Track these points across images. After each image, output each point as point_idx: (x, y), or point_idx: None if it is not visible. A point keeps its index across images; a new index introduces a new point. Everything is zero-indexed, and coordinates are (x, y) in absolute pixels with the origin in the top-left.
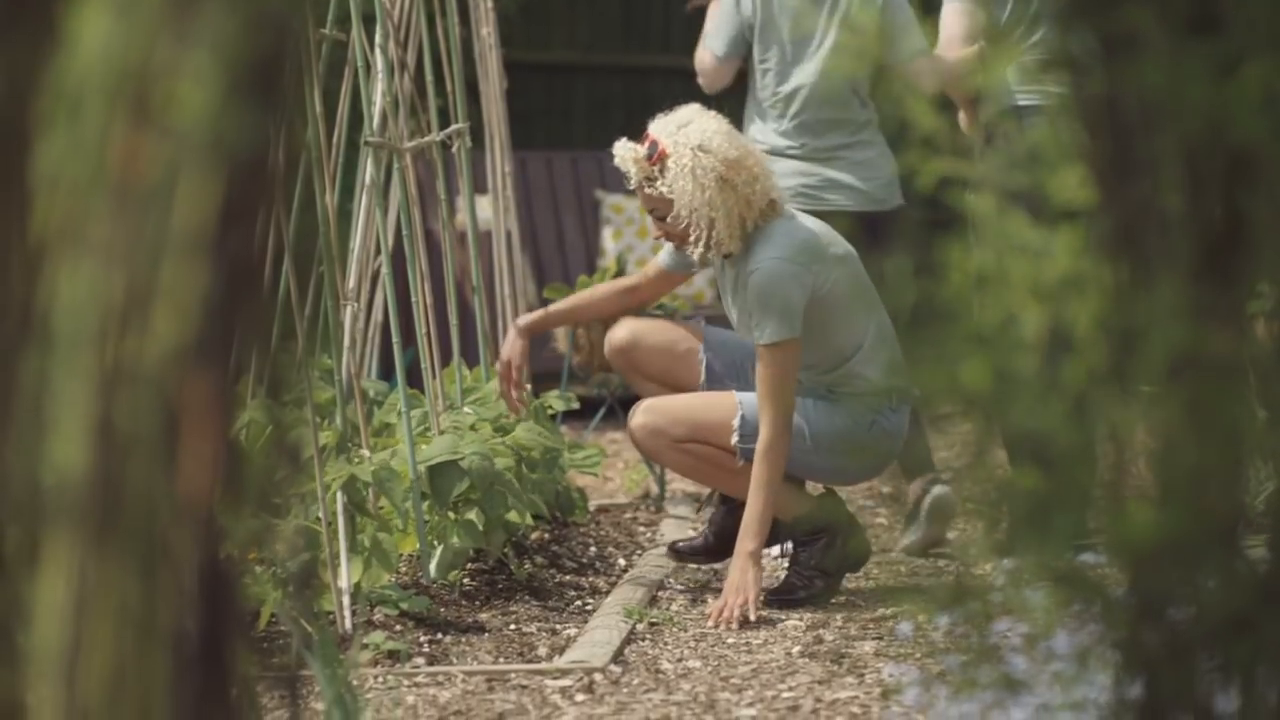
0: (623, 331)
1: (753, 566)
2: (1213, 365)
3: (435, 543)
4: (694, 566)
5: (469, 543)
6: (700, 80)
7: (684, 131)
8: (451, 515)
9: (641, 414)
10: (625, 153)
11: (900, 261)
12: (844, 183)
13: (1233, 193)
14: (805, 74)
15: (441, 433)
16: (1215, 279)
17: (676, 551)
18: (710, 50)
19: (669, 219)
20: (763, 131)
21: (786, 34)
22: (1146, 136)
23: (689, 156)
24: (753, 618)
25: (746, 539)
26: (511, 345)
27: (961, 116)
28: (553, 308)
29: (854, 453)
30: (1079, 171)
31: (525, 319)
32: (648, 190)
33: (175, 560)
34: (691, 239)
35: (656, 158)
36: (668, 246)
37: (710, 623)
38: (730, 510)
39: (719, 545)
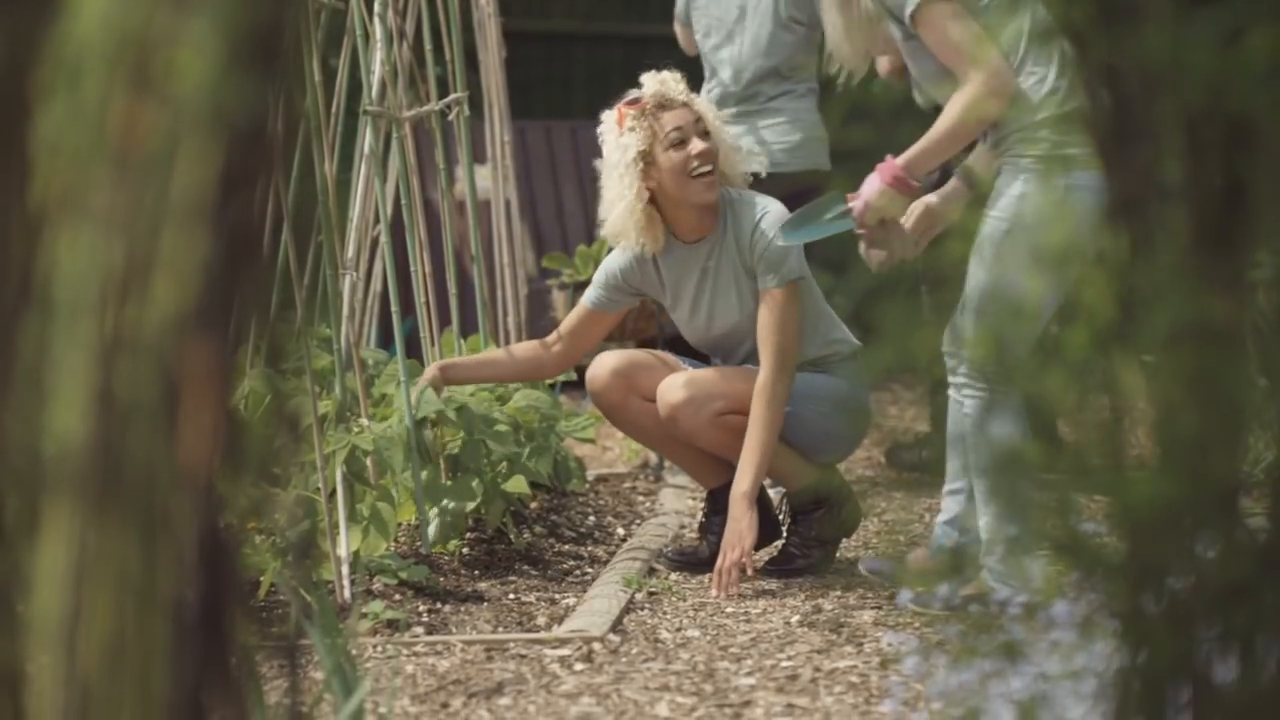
0: (609, 360)
1: (748, 512)
2: (1213, 333)
3: (434, 511)
4: (694, 536)
5: (462, 500)
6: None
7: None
8: (448, 482)
9: (679, 390)
10: (661, 74)
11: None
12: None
13: (1233, 161)
14: (725, 54)
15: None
16: (1215, 247)
17: (671, 562)
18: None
19: (711, 133)
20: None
21: (710, 14)
22: (1147, 105)
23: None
24: (749, 572)
25: (742, 479)
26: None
27: (882, 62)
28: (464, 360)
29: (857, 416)
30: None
31: (442, 363)
32: (694, 105)
33: (175, 529)
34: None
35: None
36: (591, 286)
37: (713, 591)
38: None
39: (714, 553)
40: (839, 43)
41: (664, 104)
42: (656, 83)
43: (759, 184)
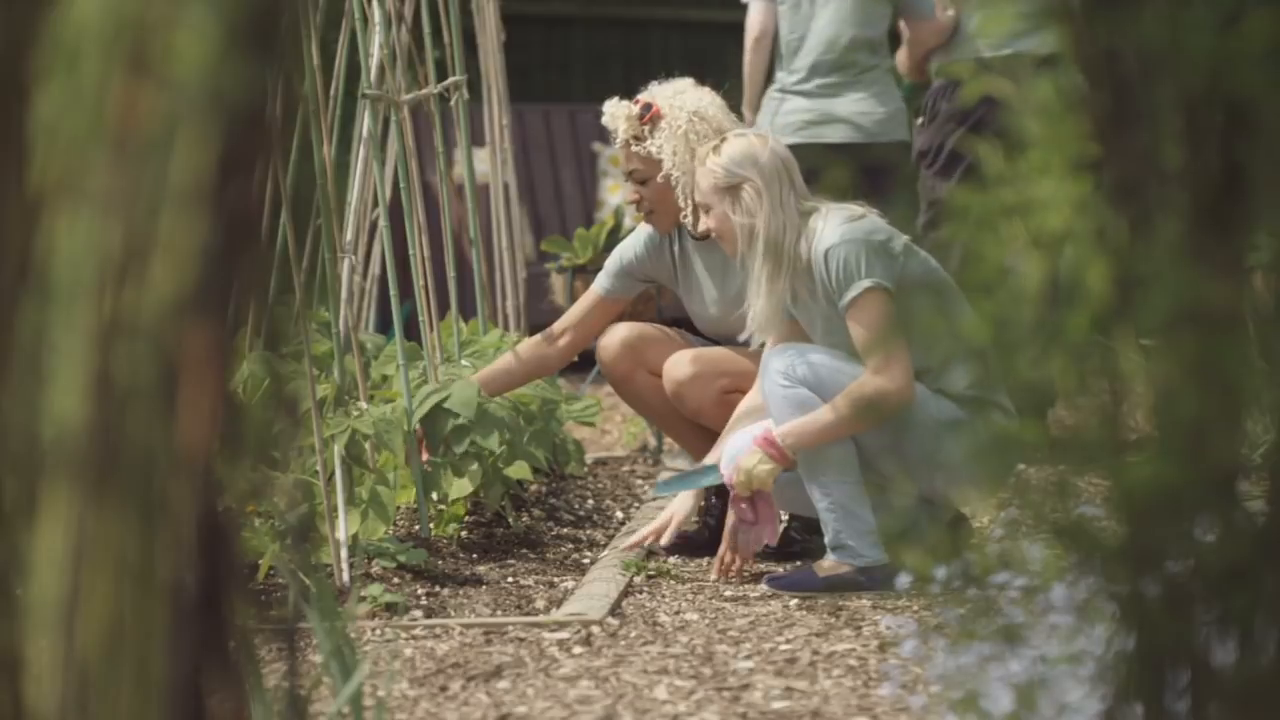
0: (621, 331)
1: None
2: (1212, 317)
3: (434, 495)
4: (695, 519)
5: (467, 485)
6: (747, 38)
7: (681, 97)
8: (452, 474)
9: (686, 366)
10: (617, 109)
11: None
12: (842, 116)
13: (1231, 145)
14: (820, 21)
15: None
16: (1214, 231)
17: (671, 545)
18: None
19: (651, 181)
20: (778, 73)
21: None
22: (1145, 88)
23: (684, 119)
24: (750, 562)
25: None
26: None
27: (901, 55)
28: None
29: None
30: (1079, 123)
31: None
32: (634, 149)
33: (174, 512)
34: (680, 202)
35: (649, 117)
36: (602, 274)
37: (713, 575)
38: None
39: (714, 537)
40: (770, 316)
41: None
42: (608, 119)
43: (847, 151)
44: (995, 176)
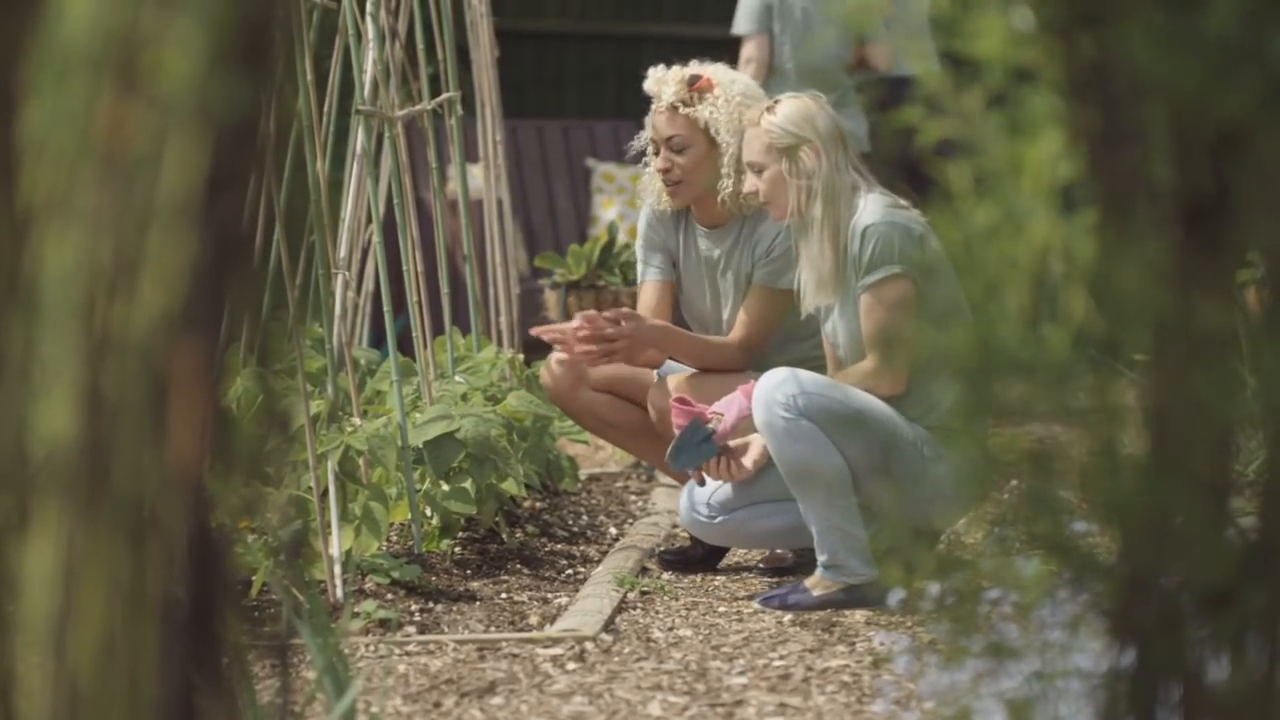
0: (558, 352)
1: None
2: (1202, 334)
3: (428, 512)
4: (686, 535)
5: (462, 509)
6: (748, 69)
7: (729, 73)
8: (444, 485)
9: (669, 392)
10: (665, 73)
11: None
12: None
13: (1220, 162)
14: (821, 45)
15: (434, 403)
16: (1203, 248)
17: (665, 561)
18: (740, 33)
19: (689, 149)
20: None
21: (799, 12)
22: (1134, 106)
23: (737, 92)
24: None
25: None
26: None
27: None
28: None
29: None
30: (1062, 139)
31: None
32: (683, 112)
33: (165, 529)
34: (724, 173)
35: (700, 85)
36: (640, 263)
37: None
38: None
39: (709, 553)
40: (826, 280)
41: (655, 106)
42: (654, 82)
43: None
44: (963, 195)
